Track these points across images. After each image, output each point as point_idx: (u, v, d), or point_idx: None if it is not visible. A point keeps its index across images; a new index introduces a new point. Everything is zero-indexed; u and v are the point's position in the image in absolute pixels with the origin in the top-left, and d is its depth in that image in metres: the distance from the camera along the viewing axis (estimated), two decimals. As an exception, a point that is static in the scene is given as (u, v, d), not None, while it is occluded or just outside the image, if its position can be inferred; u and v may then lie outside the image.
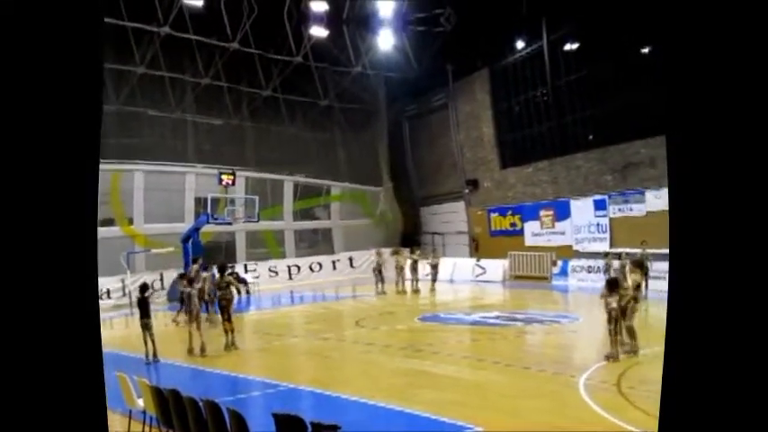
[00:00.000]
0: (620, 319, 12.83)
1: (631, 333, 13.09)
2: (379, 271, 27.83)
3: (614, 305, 12.77)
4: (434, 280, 28.61)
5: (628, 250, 23.11)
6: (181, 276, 19.66)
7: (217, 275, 17.03)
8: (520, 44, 34.62)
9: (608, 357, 12.73)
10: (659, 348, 11.64)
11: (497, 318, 19.85)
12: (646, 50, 28.86)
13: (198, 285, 17.24)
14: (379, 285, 27.29)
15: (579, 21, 30.54)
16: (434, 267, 28.80)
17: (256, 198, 30.01)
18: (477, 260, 34.17)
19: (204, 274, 19.77)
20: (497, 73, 36.02)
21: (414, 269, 28.31)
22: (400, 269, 27.93)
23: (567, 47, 32.07)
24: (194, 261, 21.71)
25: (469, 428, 8.92)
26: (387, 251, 30.30)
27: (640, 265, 15.19)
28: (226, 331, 15.72)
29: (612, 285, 13.14)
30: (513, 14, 32.85)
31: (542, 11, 32.04)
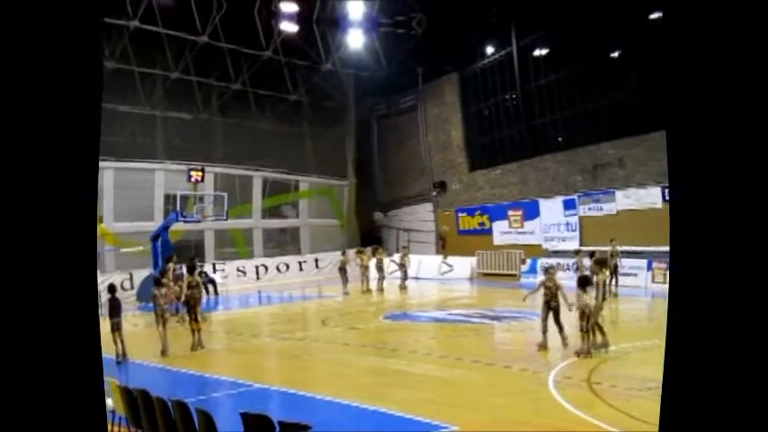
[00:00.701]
0: (591, 315, 13.04)
1: (600, 330, 13.31)
2: (343, 270, 27.76)
3: (587, 302, 13.00)
4: (404, 278, 28.45)
5: (601, 248, 23.38)
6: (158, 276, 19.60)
7: (186, 275, 16.94)
8: (489, 49, 35.04)
9: (578, 353, 12.97)
10: (628, 345, 11.90)
11: (466, 315, 19.98)
12: (615, 55, 29.36)
13: (174, 286, 17.34)
14: (345, 285, 27.22)
15: (548, 27, 30.95)
16: (402, 266, 28.60)
17: (225, 195, 29.81)
18: (444, 258, 34.25)
19: (179, 273, 19.89)
20: (467, 77, 36.36)
21: (379, 268, 28.26)
22: (365, 268, 27.89)
23: (537, 52, 32.49)
24: (169, 260, 21.64)
25: (444, 427, 8.94)
26: (351, 251, 30.29)
27: (604, 264, 15.43)
28: (193, 331, 15.73)
29: (584, 282, 13.38)
30: (484, 21, 33.16)
31: (512, 18, 32.42)
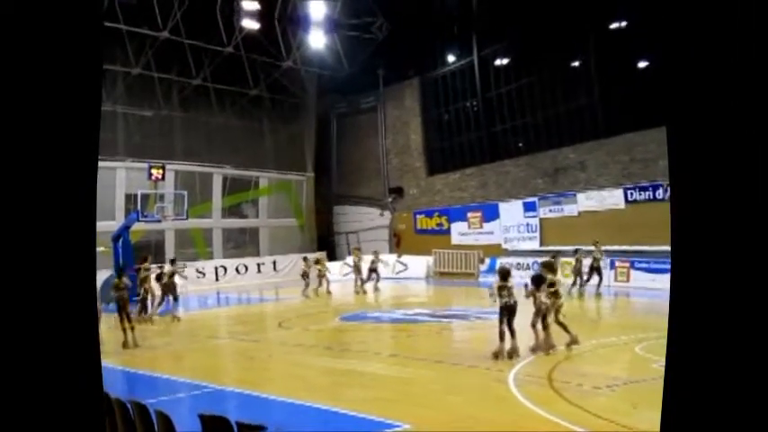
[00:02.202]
0: (548, 314, 13.25)
1: (564, 328, 13.49)
2: (305, 275, 27.54)
3: (544, 299, 13.19)
4: (377, 279, 27.87)
5: (605, 248, 23.87)
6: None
7: (115, 278, 17.39)
8: (451, 58, 35.54)
9: (534, 350, 13.11)
10: (593, 342, 11.91)
11: (421, 315, 20.19)
12: (576, 63, 29.96)
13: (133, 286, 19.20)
14: (306, 288, 27.03)
15: (509, 38, 31.47)
16: (373, 270, 27.90)
17: (185, 193, 29.69)
18: (399, 256, 34.22)
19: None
20: (428, 83, 36.81)
21: (357, 269, 28.09)
22: (322, 276, 27.49)
23: (498, 62, 33.03)
24: (144, 260, 22.47)
25: (397, 425, 8.91)
26: (312, 257, 30.08)
27: (551, 267, 15.84)
28: (124, 330, 16.13)
29: (539, 281, 13.53)
30: (445, 31, 33.53)
31: (473, 28, 32.87)
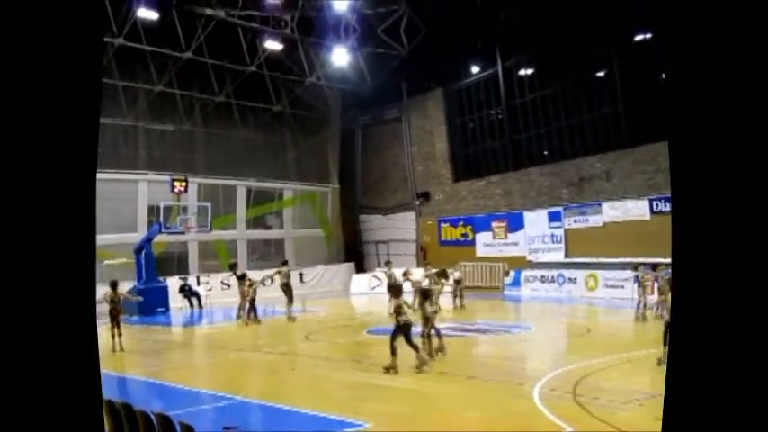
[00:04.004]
0: (430, 322, 14.17)
1: (437, 335, 14.60)
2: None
3: (429, 310, 14.05)
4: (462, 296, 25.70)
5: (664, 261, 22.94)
6: None
7: (109, 290, 18.15)
8: (474, 69, 35.61)
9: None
10: (615, 356, 11.71)
11: (447, 329, 20.01)
12: (600, 74, 29.84)
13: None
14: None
15: (533, 50, 31.41)
16: (458, 282, 25.57)
17: (209, 205, 29.81)
18: (426, 270, 34.04)
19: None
20: (451, 93, 36.77)
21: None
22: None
23: (522, 72, 33.02)
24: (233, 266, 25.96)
25: None
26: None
27: (443, 275, 17.20)
28: (113, 336, 17.34)
29: (425, 294, 14.55)
30: (468, 43, 33.58)
31: (497, 41, 32.86)
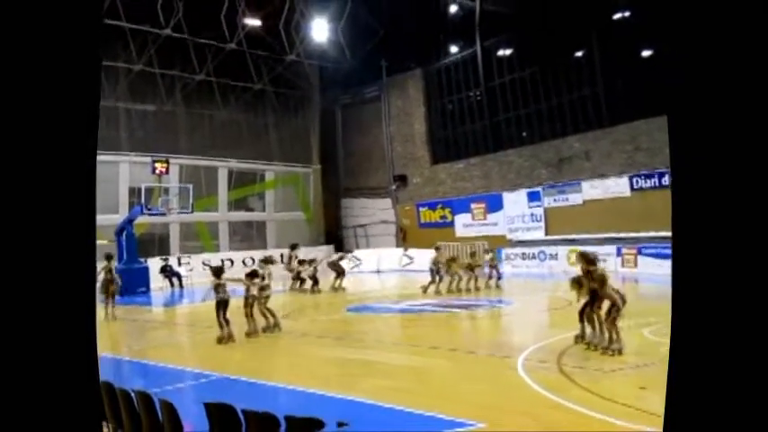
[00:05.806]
0: (256, 303, 15.33)
1: (270, 313, 15.84)
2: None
3: (253, 291, 15.20)
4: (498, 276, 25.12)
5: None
6: None
7: (106, 263, 20.06)
8: (453, 49, 35.54)
9: (248, 334, 15.24)
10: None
11: (428, 305, 20.16)
12: (579, 54, 29.90)
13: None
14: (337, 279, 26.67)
15: (512, 30, 31.43)
16: (494, 267, 25.04)
17: (190, 187, 29.72)
18: (405, 250, 34.43)
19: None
20: (431, 73, 36.75)
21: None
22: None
23: (501, 52, 33.01)
24: (293, 248, 28.02)
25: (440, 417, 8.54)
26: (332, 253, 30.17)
27: (268, 260, 17.66)
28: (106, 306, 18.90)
29: (252, 275, 15.56)
30: (447, 23, 33.54)
31: (475, 21, 32.92)
